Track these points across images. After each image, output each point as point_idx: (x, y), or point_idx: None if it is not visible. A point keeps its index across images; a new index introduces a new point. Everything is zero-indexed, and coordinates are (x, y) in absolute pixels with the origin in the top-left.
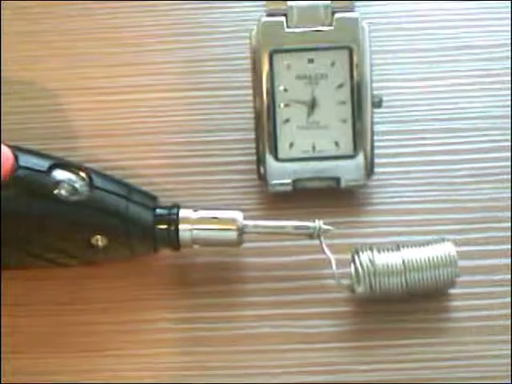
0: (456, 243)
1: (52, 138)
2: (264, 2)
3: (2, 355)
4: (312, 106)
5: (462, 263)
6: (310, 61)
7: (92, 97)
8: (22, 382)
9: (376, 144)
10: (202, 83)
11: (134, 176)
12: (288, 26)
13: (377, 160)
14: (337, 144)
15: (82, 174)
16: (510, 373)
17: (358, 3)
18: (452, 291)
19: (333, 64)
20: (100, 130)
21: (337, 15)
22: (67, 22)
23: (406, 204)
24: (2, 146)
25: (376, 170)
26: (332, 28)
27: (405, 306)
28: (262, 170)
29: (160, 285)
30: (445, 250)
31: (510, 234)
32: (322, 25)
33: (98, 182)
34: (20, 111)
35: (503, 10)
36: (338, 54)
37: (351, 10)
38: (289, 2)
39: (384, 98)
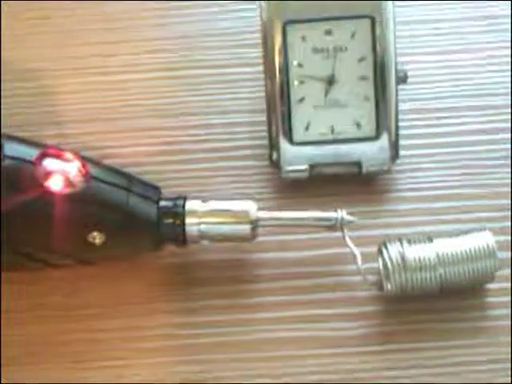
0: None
1: (40, 124)
2: None
3: None
4: (330, 82)
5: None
6: (328, 32)
7: (83, 78)
8: None
9: (400, 124)
10: (204, 60)
11: (132, 164)
12: None
13: (401, 142)
14: (358, 125)
15: (77, 163)
16: None
17: None
18: (488, 286)
19: (353, 35)
20: (93, 114)
21: None
22: None
23: (435, 190)
24: None
25: (401, 152)
26: None
27: (438, 304)
28: (275, 155)
29: (164, 285)
30: (483, 240)
31: None
32: None
33: (94, 171)
34: (4, 95)
35: None
36: (358, 24)
37: None
38: None
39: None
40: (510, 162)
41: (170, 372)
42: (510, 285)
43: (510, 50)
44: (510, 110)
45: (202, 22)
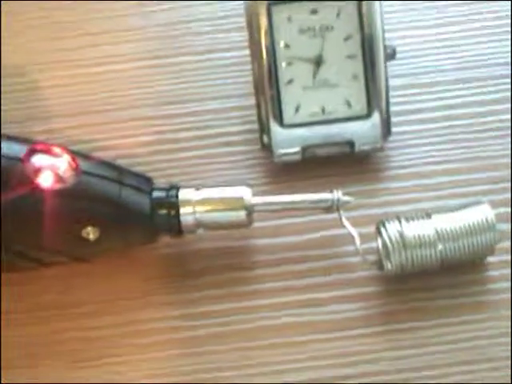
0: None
1: (26, 120)
2: None
3: None
4: (318, 62)
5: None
6: (313, 11)
7: (67, 71)
8: None
9: (391, 101)
10: (188, 47)
11: (122, 156)
12: None
13: (393, 119)
14: (348, 104)
15: (66, 158)
16: None
17: None
18: (488, 259)
19: (339, 13)
20: (79, 107)
21: None
22: None
23: (430, 165)
24: None
25: (393, 129)
26: None
27: (438, 281)
28: (266, 138)
29: (161, 278)
30: (481, 213)
31: None
32: None
33: (84, 165)
34: None
35: None
36: (344, 1)
37: None
38: None
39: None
40: (500, 133)
41: (172, 365)
42: (510, 257)
43: (489, 21)
44: (496, 82)
45: (184, 8)
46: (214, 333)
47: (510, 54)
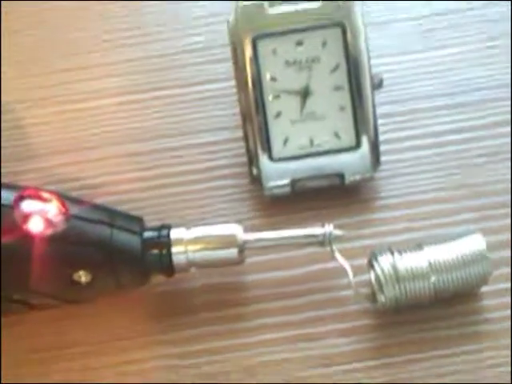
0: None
1: (15, 159)
2: None
3: None
4: (305, 94)
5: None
6: (299, 43)
7: (47, 108)
8: None
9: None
10: (174, 80)
11: (111, 193)
12: (270, 6)
13: (381, 147)
14: (337, 135)
15: (55, 202)
16: None
17: None
18: (484, 288)
19: (324, 44)
20: (67, 144)
21: None
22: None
23: (420, 194)
24: None
25: (381, 159)
26: (320, 4)
27: (432, 313)
28: (255, 171)
29: (155, 317)
30: (474, 244)
31: None
32: (309, 1)
33: (74, 210)
34: None
35: None
36: (329, 32)
37: None
38: None
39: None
40: (491, 158)
41: None
42: (510, 285)
43: (474, 44)
44: (483, 106)
45: (170, 41)
46: (211, 371)
47: (509, 76)
